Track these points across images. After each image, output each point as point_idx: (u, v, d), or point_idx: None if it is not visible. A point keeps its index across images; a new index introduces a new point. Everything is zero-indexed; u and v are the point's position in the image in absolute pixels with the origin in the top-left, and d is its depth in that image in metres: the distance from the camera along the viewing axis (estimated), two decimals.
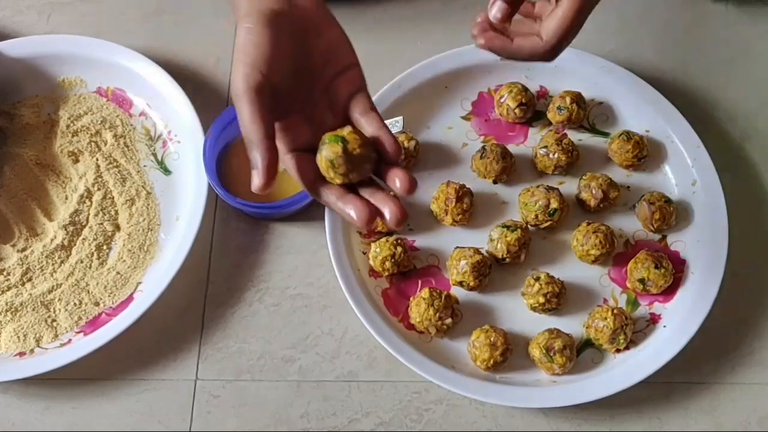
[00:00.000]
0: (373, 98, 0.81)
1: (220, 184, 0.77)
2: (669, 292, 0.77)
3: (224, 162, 0.81)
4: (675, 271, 0.76)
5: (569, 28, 0.61)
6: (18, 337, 0.76)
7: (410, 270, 0.78)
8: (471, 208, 0.79)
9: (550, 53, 0.62)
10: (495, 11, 0.58)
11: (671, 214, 0.78)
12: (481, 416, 0.74)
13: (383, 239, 0.77)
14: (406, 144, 0.80)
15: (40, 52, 0.86)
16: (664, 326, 0.76)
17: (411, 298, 0.76)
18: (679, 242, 0.80)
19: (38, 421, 0.74)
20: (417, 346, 0.73)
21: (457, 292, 0.77)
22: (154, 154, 0.84)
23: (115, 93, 0.87)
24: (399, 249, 0.76)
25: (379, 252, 0.76)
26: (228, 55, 0.90)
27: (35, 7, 0.93)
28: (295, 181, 0.55)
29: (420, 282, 0.78)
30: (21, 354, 0.75)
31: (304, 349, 0.77)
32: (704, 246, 0.78)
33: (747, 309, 0.78)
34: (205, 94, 0.87)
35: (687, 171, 0.81)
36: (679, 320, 0.75)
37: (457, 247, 0.77)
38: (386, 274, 0.77)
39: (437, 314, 0.73)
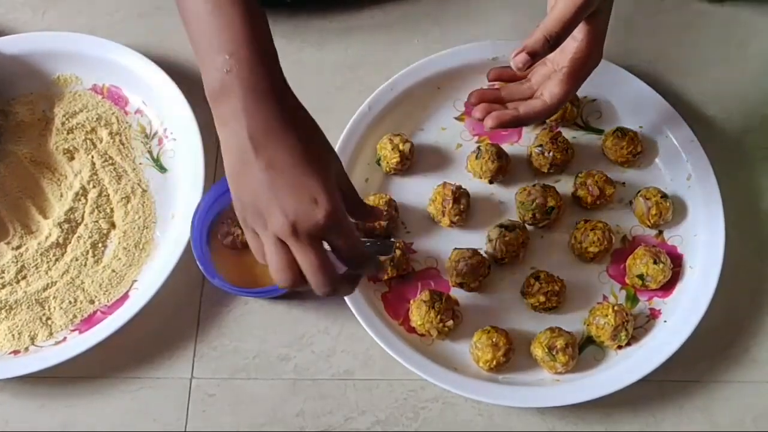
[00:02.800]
0: (367, 101, 0.83)
1: (209, 260, 0.74)
2: (668, 287, 0.77)
3: (215, 235, 0.78)
4: (673, 266, 0.77)
5: (569, 92, 0.66)
6: (13, 335, 0.75)
7: (409, 273, 0.78)
8: (468, 209, 0.79)
9: (553, 112, 0.68)
10: (518, 61, 0.62)
11: (667, 209, 0.78)
12: (477, 414, 0.74)
13: None
14: (401, 147, 0.80)
15: (35, 49, 0.86)
16: (665, 321, 0.76)
17: (411, 301, 0.76)
18: (675, 237, 0.80)
19: (33, 419, 0.74)
20: (419, 349, 0.73)
21: (457, 293, 0.77)
22: (150, 152, 0.84)
23: (110, 90, 0.86)
24: (398, 252, 0.76)
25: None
26: None
27: (30, 4, 0.93)
28: None
29: (419, 285, 0.78)
30: (16, 352, 0.75)
31: (299, 347, 0.77)
32: (701, 240, 0.78)
33: (741, 307, 0.78)
34: (201, 92, 0.85)
35: (681, 166, 0.81)
36: (680, 314, 0.75)
37: (456, 248, 0.77)
38: (385, 277, 0.77)
39: (438, 316, 0.73)
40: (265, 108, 0.54)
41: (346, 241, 0.55)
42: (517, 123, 0.67)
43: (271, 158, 0.54)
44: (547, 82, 0.66)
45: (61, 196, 0.81)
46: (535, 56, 0.61)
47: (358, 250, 0.56)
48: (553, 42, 0.61)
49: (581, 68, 0.65)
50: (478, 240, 0.79)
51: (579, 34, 0.64)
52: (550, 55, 0.64)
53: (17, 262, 0.78)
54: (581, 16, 0.61)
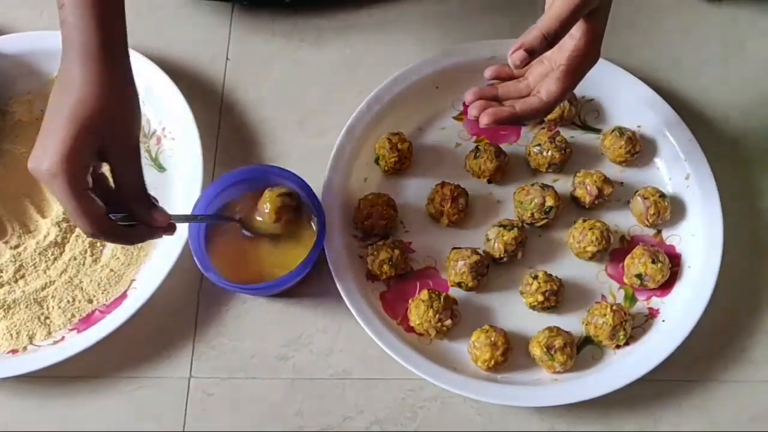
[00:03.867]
0: (366, 100, 0.83)
1: (206, 257, 0.74)
2: (666, 286, 0.77)
3: (213, 234, 0.77)
4: (671, 266, 0.77)
5: (567, 90, 0.66)
6: (11, 334, 0.75)
7: (408, 272, 0.78)
8: (466, 209, 0.79)
9: (550, 110, 0.67)
10: (516, 58, 0.61)
11: (666, 208, 0.78)
12: (476, 414, 0.74)
13: (380, 242, 0.77)
14: (399, 146, 0.80)
15: (33, 48, 0.86)
16: (663, 320, 0.76)
17: (410, 301, 0.76)
18: (674, 236, 0.80)
19: (31, 418, 0.74)
20: (417, 349, 0.73)
21: (455, 293, 0.77)
22: (149, 151, 0.84)
23: None
24: (396, 252, 0.76)
25: (376, 255, 0.76)
26: (223, 52, 0.90)
27: (28, 3, 0.92)
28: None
29: (418, 284, 0.78)
30: (14, 351, 0.75)
31: (297, 347, 0.77)
32: (699, 239, 0.78)
33: (739, 307, 0.79)
34: (199, 91, 0.87)
35: (680, 165, 0.81)
36: (678, 314, 0.75)
37: (454, 247, 0.77)
38: (384, 277, 0.77)
39: (437, 316, 0.73)
40: (84, 62, 0.59)
41: (62, 196, 0.57)
42: (513, 120, 0.67)
43: (55, 105, 0.59)
44: (544, 80, 0.66)
45: None
46: (532, 54, 0.61)
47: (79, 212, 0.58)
48: (551, 39, 0.61)
49: (579, 66, 0.65)
50: (477, 239, 0.79)
51: (577, 32, 0.64)
52: (548, 53, 0.64)
53: (15, 261, 0.78)
54: (579, 14, 0.61)
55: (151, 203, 0.63)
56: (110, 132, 0.59)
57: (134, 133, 0.62)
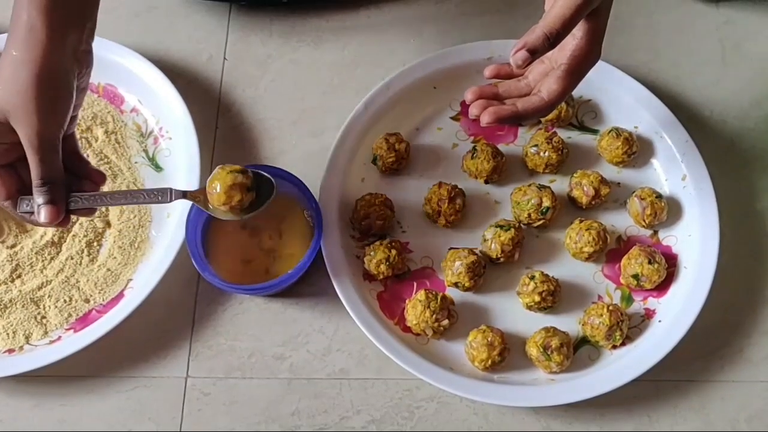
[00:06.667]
0: (364, 100, 0.83)
1: (203, 258, 0.73)
2: (662, 287, 0.77)
3: (210, 232, 0.76)
4: (668, 266, 0.77)
5: (567, 89, 0.66)
6: (7, 334, 0.75)
7: (405, 272, 0.78)
8: (463, 209, 0.79)
9: (551, 109, 0.67)
10: (518, 58, 0.61)
11: (662, 209, 0.78)
12: (473, 414, 0.74)
13: (377, 242, 0.77)
14: (397, 146, 0.80)
15: None
16: (659, 321, 0.76)
17: (407, 301, 0.76)
18: (670, 237, 0.80)
19: (28, 418, 0.74)
20: (414, 349, 0.73)
21: (452, 293, 0.77)
22: (146, 151, 0.84)
23: (106, 89, 0.86)
24: (393, 252, 0.76)
25: (373, 255, 0.76)
26: (220, 51, 0.90)
27: None
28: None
29: (415, 284, 0.78)
30: (10, 351, 0.75)
31: (294, 346, 0.77)
32: (696, 240, 0.78)
33: (736, 307, 0.79)
34: (197, 91, 0.87)
35: (676, 166, 0.82)
36: (674, 314, 0.75)
37: (451, 248, 0.77)
38: (381, 277, 0.77)
39: (434, 316, 0.73)
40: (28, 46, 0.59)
41: None
42: (515, 119, 0.67)
43: None
44: (545, 79, 0.66)
45: None
46: (535, 53, 0.61)
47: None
48: (553, 39, 0.61)
49: (580, 66, 0.65)
50: (474, 240, 0.79)
51: (578, 31, 0.64)
52: (548, 53, 0.64)
53: (12, 260, 0.78)
54: (582, 14, 0.61)
55: (50, 197, 0.61)
56: (15, 118, 0.59)
57: (41, 124, 0.59)
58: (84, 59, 0.63)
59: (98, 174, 0.66)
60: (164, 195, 0.64)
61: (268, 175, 0.67)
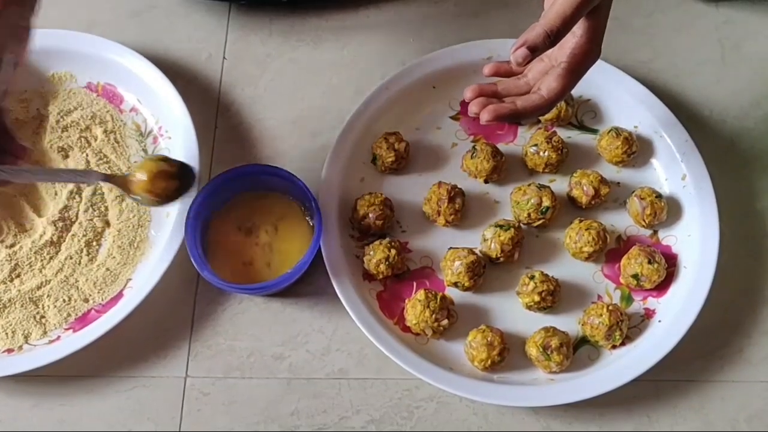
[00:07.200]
0: (363, 100, 0.83)
1: (202, 257, 0.73)
2: (662, 286, 0.77)
3: (210, 233, 0.77)
4: (667, 266, 0.77)
5: (567, 87, 0.66)
6: (6, 333, 0.75)
7: (404, 272, 0.78)
8: (463, 209, 0.79)
9: (551, 107, 0.67)
10: (518, 56, 0.61)
11: (662, 209, 0.78)
12: (472, 414, 0.74)
13: (377, 242, 0.77)
14: (396, 146, 0.80)
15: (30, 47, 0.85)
16: (659, 321, 0.76)
17: (406, 301, 0.76)
18: (670, 237, 0.80)
19: (27, 418, 0.74)
20: (414, 349, 0.73)
21: (452, 293, 0.77)
22: (145, 150, 0.84)
23: (105, 88, 0.86)
24: (393, 251, 0.76)
25: (373, 255, 0.76)
26: (220, 51, 0.89)
27: None
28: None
29: (414, 284, 0.78)
30: (9, 351, 0.75)
31: (294, 346, 0.77)
32: (695, 240, 0.78)
33: (735, 307, 0.79)
34: (196, 91, 0.87)
35: (676, 165, 0.82)
36: (674, 314, 0.75)
37: (451, 247, 0.77)
38: (380, 277, 0.76)
39: (433, 315, 0.73)
40: None
41: None
42: (514, 117, 0.66)
43: None
44: (544, 77, 0.66)
45: (56, 194, 0.81)
46: (535, 51, 0.61)
47: None
48: (553, 37, 0.61)
49: (580, 64, 0.65)
50: (474, 239, 0.79)
51: (578, 29, 0.64)
52: (548, 51, 0.64)
53: (11, 260, 0.78)
54: (582, 12, 0.61)
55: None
56: None
57: None
58: (23, 36, 0.63)
59: (20, 148, 0.65)
60: (86, 176, 0.67)
61: (191, 166, 0.72)
